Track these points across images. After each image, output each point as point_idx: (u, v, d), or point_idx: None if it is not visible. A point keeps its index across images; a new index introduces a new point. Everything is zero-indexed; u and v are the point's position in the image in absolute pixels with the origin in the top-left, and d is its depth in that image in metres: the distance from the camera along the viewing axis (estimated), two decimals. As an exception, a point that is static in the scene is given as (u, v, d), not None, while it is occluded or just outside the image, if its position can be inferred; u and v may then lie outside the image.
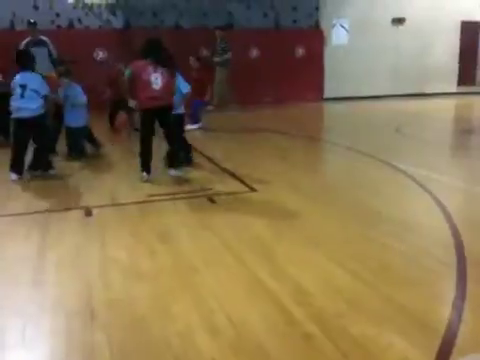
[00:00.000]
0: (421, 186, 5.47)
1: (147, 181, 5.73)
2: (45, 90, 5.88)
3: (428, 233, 4.21)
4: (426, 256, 3.68)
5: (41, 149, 5.99)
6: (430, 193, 5.18)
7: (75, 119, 7.05)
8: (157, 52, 5.59)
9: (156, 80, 5.52)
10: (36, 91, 5.76)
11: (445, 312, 2.84)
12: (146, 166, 5.76)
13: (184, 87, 6.24)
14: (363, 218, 4.55)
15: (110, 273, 3.42)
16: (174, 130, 5.87)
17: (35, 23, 10.02)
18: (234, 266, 3.52)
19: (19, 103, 5.74)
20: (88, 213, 4.68)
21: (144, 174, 5.76)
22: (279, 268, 3.48)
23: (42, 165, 6.04)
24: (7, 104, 5.91)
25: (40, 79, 5.92)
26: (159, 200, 5.11)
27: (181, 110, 6.32)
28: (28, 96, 5.72)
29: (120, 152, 7.74)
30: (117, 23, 12.82)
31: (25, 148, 5.95)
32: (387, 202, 5.08)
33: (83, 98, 7.14)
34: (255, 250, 3.80)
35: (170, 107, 5.74)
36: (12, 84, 5.85)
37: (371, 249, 3.83)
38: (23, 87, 5.73)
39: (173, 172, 5.93)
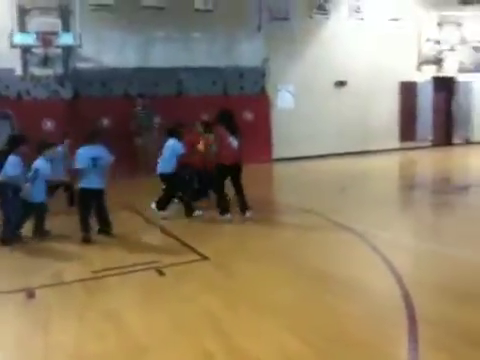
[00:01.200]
0: (370, 245, 5.56)
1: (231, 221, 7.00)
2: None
3: (379, 295, 4.24)
4: (378, 319, 3.69)
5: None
6: (379, 252, 5.27)
7: None
8: (229, 120, 7.29)
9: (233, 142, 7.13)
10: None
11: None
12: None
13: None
14: (315, 282, 4.55)
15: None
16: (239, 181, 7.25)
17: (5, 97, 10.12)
18: (185, 343, 3.41)
19: None
20: (30, 295, 4.44)
21: (229, 216, 7.08)
22: (232, 342, 3.39)
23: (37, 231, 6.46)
24: None
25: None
26: (105, 276, 4.91)
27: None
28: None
29: (62, 226, 7.10)
30: (65, 94, 12.84)
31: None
32: (338, 264, 5.11)
33: None
34: (206, 324, 3.70)
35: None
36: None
37: (324, 314, 3.81)
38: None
39: (248, 214, 7.08)
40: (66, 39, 12.04)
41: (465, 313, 3.71)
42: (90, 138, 6.51)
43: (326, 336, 3.42)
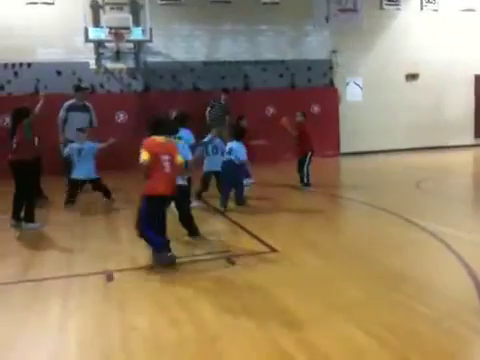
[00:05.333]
0: (445, 245, 5.36)
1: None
2: None
3: (454, 296, 4.07)
4: (454, 321, 3.55)
5: None
6: (454, 252, 5.07)
7: None
8: None
9: None
10: None
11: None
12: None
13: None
14: (387, 280, 4.44)
15: (131, 345, 3.37)
16: None
17: (85, 88, 10.44)
18: (257, 334, 3.43)
19: None
20: (110, 278, 4.66)
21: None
22: (301, 335, 3.38)
23: None
24: None
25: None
26: (178, 263, 5.04)
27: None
28: None
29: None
30: (137, 86, 13.27)
31: None
32: (411, 262, 4.96)
33: None
34: (278, 316, 3.71)
35: None
36: None
37: (397, 314, 3.71)
38: None
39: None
40: (137, 34, 12.45)
41: None
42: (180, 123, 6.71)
43: (400, 337, 3.32)
